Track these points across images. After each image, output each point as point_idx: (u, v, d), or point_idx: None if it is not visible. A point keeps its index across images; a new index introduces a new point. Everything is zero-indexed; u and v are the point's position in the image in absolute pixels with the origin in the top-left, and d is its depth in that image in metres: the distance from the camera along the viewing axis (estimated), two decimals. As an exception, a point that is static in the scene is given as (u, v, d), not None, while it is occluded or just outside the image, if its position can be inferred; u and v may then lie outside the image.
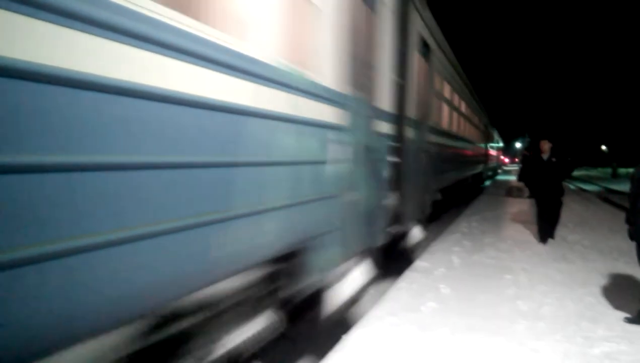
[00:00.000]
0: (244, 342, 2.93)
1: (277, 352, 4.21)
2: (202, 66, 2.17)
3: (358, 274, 4.51)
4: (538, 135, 9.34)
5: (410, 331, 4.14)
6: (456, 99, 12.35)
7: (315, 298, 4.96)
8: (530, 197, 7.92)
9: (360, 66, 4.43)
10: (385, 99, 5.25)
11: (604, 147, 60.46)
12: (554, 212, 8.25)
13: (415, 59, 6.66)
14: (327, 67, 3.63)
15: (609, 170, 50.81)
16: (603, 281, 5.82)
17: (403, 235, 6.49)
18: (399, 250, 6.59)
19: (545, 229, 8.24)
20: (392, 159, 5.51)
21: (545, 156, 8.18)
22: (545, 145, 8.19)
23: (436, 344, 3.89)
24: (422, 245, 7.92)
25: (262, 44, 2.71)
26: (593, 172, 54.08)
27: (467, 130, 15.77)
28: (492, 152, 31.93)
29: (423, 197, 7.53)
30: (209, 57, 2.22)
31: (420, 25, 6.95)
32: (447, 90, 10.48)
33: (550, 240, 8.24)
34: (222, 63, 2.32)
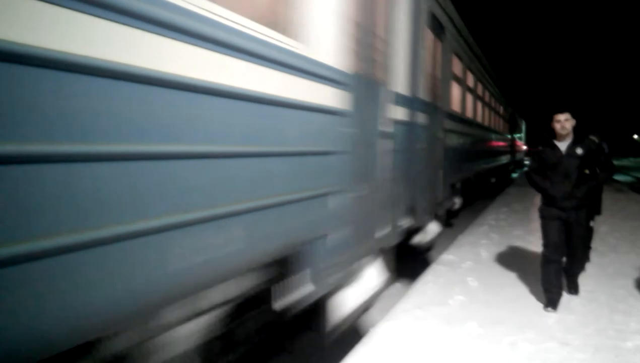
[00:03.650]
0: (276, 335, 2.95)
1: (304, 344, 4.26)
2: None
3: (370, 277, 4.00)
4: (550, 107, 4.92)
5: (437, 324, 4.14)
6: (473, 83, 10.92)
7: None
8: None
9: (369, 42, 3.89)
10: (399, 81, 4.61)
11: (636, 136, 58.71)
12: (578, 247, 4.66)
13: (428, 37, 5.76)
14: (322, 38, 2.99)
15: (641, 159, 49.34)
16: (635, 273, 5.68)
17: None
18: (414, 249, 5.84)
19: (555, 284, 4.53)
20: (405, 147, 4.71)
21: (563, 144, 4.54)
22: (565, 123, 4.49)
23: (463, 338, 3.88)
24: (449, 238, 7.88)
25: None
26: (624, 162, 52.63)
27: (487, 118, 13.75)
28: (518, 143, 29.63)
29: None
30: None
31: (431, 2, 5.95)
32: (462, 73, 9.28)
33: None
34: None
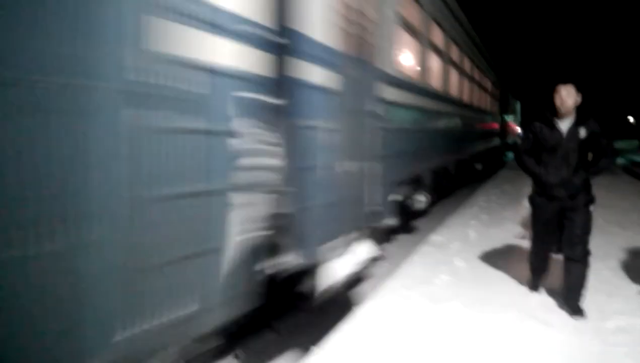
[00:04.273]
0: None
1: (288, 324, 4.29)
2: None
3: None
4: (552, 80, 3.94)
5: (422, 303, 4.17)
6: (444, 44, 8.15)
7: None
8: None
9: None
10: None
11: (631, 119, 58.78)
12: (575, 241, 4.04)
13: None
14: None
15: (635, 142, 49.52)
16: (622, 255, 5.73)
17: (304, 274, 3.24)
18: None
19: (542, 268, 4.48)
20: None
21: (564, 124, 3.95)
22: (565, 98, 3.88)
23: (447, 316, 3.91)
24: (437, 218, 7.90)
25: None
26: (619, 145, 52.75)
27: (468, 93, 11.11)
28: (512, 125, 28.97)
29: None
30: None
31: None
32: (424, 26, 6.57)
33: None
34: None
